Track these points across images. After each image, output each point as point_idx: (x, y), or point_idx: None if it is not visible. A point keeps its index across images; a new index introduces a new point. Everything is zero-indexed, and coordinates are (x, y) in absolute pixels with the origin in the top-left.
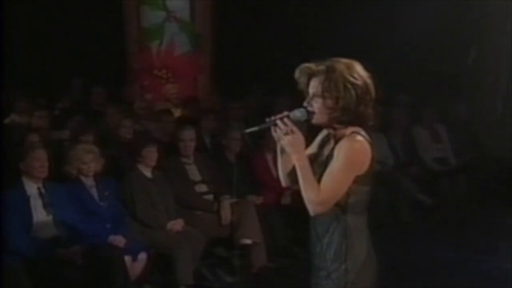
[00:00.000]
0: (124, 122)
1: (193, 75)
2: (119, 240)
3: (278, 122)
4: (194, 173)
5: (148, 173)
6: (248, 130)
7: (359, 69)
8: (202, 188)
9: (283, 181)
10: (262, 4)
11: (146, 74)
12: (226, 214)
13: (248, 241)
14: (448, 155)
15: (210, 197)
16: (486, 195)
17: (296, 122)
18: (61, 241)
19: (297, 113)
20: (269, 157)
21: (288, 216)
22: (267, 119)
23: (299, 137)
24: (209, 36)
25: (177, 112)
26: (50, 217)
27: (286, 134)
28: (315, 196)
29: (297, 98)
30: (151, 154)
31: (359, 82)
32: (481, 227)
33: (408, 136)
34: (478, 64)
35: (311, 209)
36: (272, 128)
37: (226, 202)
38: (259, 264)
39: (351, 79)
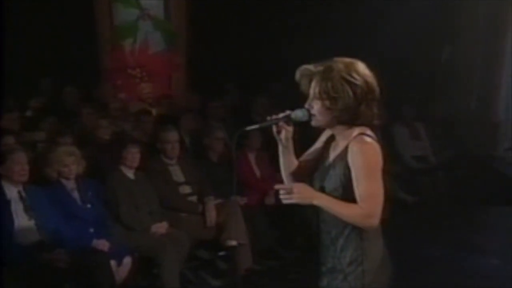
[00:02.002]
0: (101, 122)
1: (168, 74)
2: (102, 244)
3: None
4: (177, 174)
5: (130, 174)
6: (248, 128)
7: (360, 68)
8: (186, 189)
9: (286, 181)
10: (238, 1)
11: (119, 73)
12: (211, 216)
13: (234, 243)
14: (427, 153)
15: (194, 198)
16: (465, 193)
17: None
18: (44, 246)
19: (299, 113)
20: (251, 157)
21: (273, 217)
22: (268, 118)
23: (302, 185)
24: (184, 34)
25: (153, 112)
26: (32, 222)
27: (289, 193)
28: (357, 211)
29: (275, 97)
30: (133, 155)
31: (358, 82)
32: (463, 225)
33: (388, 134)
34: (452, 62)
35: (367, 224)
36: (274, 127)
37: (211, 203)
38: (245, 266)
39: (349, 78)
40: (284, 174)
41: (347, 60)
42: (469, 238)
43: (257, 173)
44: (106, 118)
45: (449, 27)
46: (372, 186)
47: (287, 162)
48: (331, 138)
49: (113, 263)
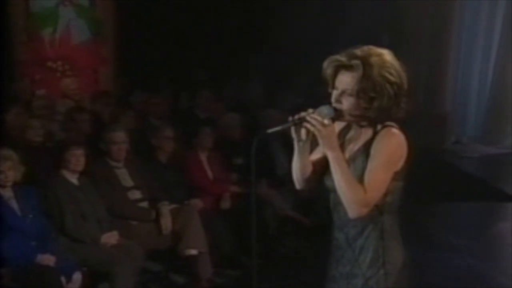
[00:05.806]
0: (32, 122)
1: (93, 67)
2: (48, 259)
3: (308, 118)
4: (125, 178)
5: (74, 180)
6: (270, 130)
7: (393, 61)
8: (136, 194)
9: (298, 185)
10: None
11: (37, 67)
12: (167, 222)
13: (194, 252)
14: None
15: (145, 204)
16: (423, 189)
17: None
18: None
19: (324, 110)
20: (203, 157)
21: (230, 222)
22: (290, 118)
23: (333, 130)
24: (111, 22)
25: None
26: None
27: (320, 124)
28: (360, 195)
29: (218, 92)
30: (78, 158)
31: (396, 79)
32: (425, 222)
33: None
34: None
35: (355, 210)
36: (292, 128)
37: (166, 209)
38: (205, 276)
39: (390, 77)
40: (296, 176)
41: (378, 51)
42: (438, 237)
43: (210, 174)
44: (37, 118)
45: (391, 19)
46: (383, 177)
47: (302, 165)
48: (344, 132)
49: (62, 280)
